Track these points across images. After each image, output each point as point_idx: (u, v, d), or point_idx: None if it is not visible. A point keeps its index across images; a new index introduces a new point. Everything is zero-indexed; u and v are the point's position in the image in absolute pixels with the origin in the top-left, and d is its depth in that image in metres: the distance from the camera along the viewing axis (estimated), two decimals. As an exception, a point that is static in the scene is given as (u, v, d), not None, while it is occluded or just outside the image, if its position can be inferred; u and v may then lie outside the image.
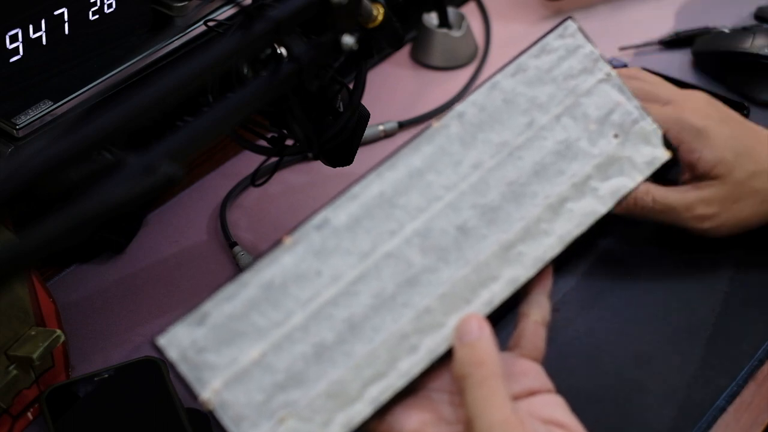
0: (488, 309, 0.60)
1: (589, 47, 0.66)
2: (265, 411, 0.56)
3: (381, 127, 0.97)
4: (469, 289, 0.60)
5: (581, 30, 0.66)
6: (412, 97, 1.02)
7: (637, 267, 0.83)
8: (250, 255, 0.84)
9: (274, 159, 0.78)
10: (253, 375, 0.56)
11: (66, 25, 0.77)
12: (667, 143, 0.67)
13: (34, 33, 0.75)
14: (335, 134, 0.74)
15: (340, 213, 0.60)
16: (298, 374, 0.57)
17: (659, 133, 0.67)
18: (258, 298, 0.57)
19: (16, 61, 0.75)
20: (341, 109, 0.74)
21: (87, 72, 0.78)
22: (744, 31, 1.01)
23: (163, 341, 0.55)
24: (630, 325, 0.78)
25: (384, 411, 0.58)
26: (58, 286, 0.83)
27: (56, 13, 0.76)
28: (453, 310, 0.60)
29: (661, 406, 0.73)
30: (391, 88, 1.03)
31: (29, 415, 0.74)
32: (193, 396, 0.56)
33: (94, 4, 0.78)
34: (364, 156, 0.82)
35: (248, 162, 0.93)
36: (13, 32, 0.74)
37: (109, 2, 0.79)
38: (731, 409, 0.74)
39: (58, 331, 0.72)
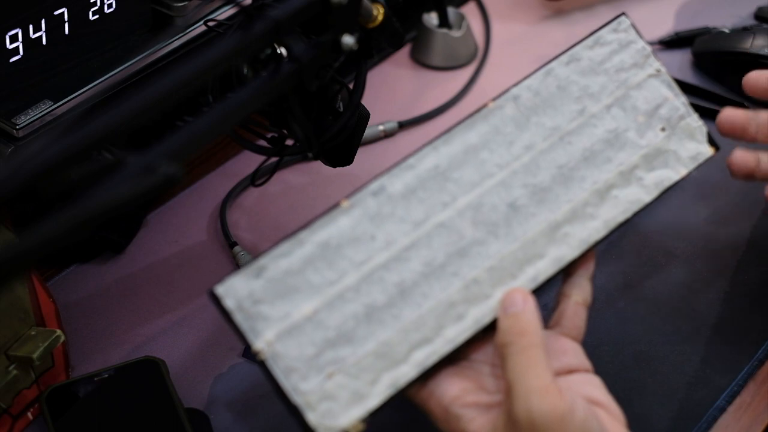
0: (533, 285, 0.63)
1: (641, 43, 0.69)
2: (315, 365, 0.58)
3: (381, 127, 0.97)
4: (516, 264, 0.62)
5: (634, 26, 0.69)
6: (412, 97, 1.02)
7: (637, 267, 0.83)
8: (250, 255, 0.84)
9: (274, 159, 0.78)
10: (305, 330, 0.58)
11: (66, 25, 0.77)
12: (711, 140, 0.69)
13: (34, 33, 0.75)
14: (335, 134, 0.74)
15: (396, 181, 0.62)
16: (348, 332, 0.59)
17: (704, 130, 0.69)
18: (314, 256, 0.59)
19: (16, 61, 0.75)
20: (341, 109, 0.74)
21: (87, 72, 0.78)
22: (744, 31, 1.01)
23: (220, 290, 0.57)
24: (630, 325, 0.78)
25: (427, 376, 0.60)
26: (58, 286, 0.83)
27: (56, 13, 0.76)
28: (500, 283, 0.62)
29: (661, 406, 0.73)
30: (391, 88, 1.03)
31: (29, 415, 0.74)
32: (246, 346, 0.57)
33: (94, 4, 0.78)
34: (364, 156, 0.83)
35: (248, 162, 0.93)
36: (13, 32, 0.74)
37: (109, 2, 0.79)
38: (731, 409, 0.74)
39: (58, 331, 0.72)
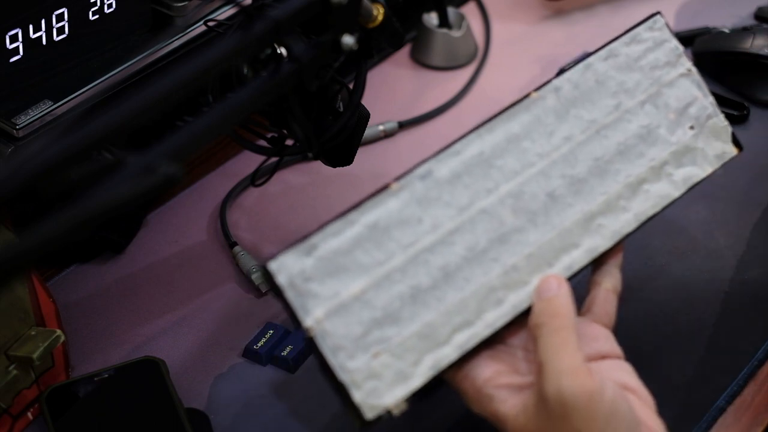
0: (568, 273, 0.64)
1: (674, 42, 0.71)
2: (362, 344, 0.59)
3: (381, 127, 0.97)
4: (552, 252, 0.64)
5: (668, 25, 0.71)
6: (412, 97, 1.02)
7: (637, 267, 0.83)
8: (250, 255, 0.84)
9: (274, 159, 0.78)
10: (353, 309, 0.59)
11: (66, 25, 0.77)
12: (736, 140, 0.72)
13: (34, 33, 0.75)
14: (335, 134, 0.74)
15: (442, 166, 0.63)
16: (394, 313, 0.60)
17: (729, 131, 0.72)
18: (363, 236, 0.60)
19: (16, 61, 0.75)
20: (341, 109, 0.74)
21: (87, 72, 0.78)
22: (744, 31, 1.01)
23: (273, 266, 0.58)
24: (630, 325, 0.78)
25: (464, 359, 0.61)
26: (58, 286, 0.83)
27: (56, 13, 0.76)
28: (537, 271, 0.64)
29: (661, 406, 0.73)
30: (391, 88, 1.03)
31: (29, 415, 0.74)
32: (296, 323, 0.58)
33: (94, 4, 0.78)
34: (364, 156, 0.82)
35: (248, 162, 0.93)
36: (13, 32, 0.74)
37: (109, 2, 0.79)
38: (731, 409, 0.74)
39: (58, 331, 0.72)
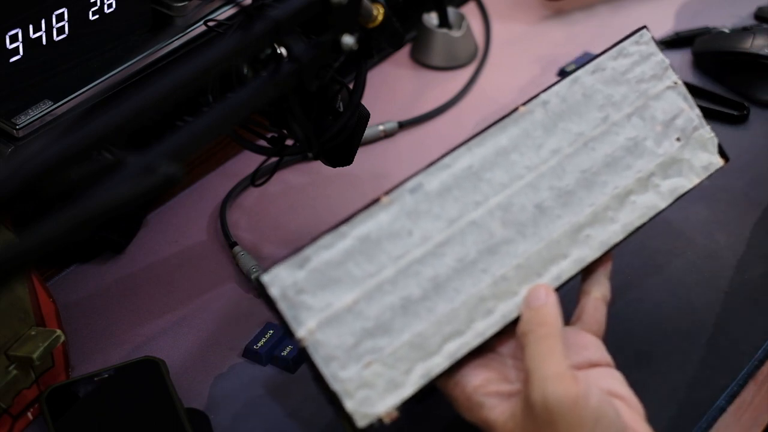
0: (556, 284, 0.65)
1: (660, 56, 0.72)
2: (354, 354, 0.60)
3: (381, 127, 0.97)
4: (541, 263, 0.65)
5: (654, 39, 0.72)
6: (412, 97, 1.02)
7: (637, 267, 0.83)
8: (250, 255, 0.84)
9: (274, 159, 0.78)
10: (345, 320, 0.60)
11: (66, 25, 0.77)
12: (722, 151, 0.72)
13: (34, 33, 0.75)
14: (335, 134, 0.74)
15: (432, 180, 0.64)
16: (386, 323, 0.61)
17: (715, 142, 0.72)
18: (354, 249, 0.61)
19: (16, 61, 0.75)
20: (341, 109, 0.74)
21: (87, 72, 0.78)
22: (744, 31, 1.01)
23: (266, 279, 0.59)
24: (630, 325, 0.78)
25: (455, 367, 0.62)
26: (58, 286, 0.83)
27: (56, 13, 0.76)
28: (526, 281, 0.65)
29: (661, 406, 0.73)
30: (391, 88, 1.03)
31: (29, 415, 0.74)
32: (289, 334, 0.59)
33: (94, 4, 0.78)
34: (364, 156, 0.82)
35: (248, 162, 0.93)
36: (13, 32, 0.74)
37: (109, 2, 0.79)
38: (731, 409, 0.74)
39: (58, 331, 0.72)
